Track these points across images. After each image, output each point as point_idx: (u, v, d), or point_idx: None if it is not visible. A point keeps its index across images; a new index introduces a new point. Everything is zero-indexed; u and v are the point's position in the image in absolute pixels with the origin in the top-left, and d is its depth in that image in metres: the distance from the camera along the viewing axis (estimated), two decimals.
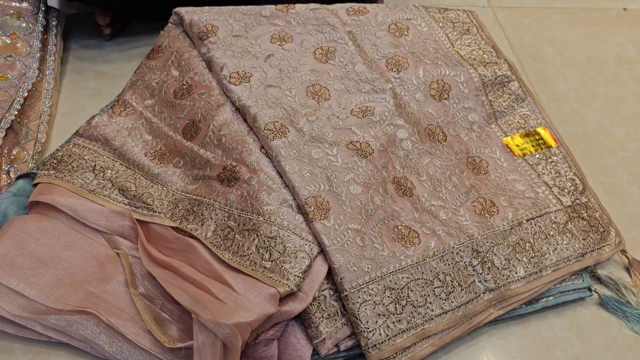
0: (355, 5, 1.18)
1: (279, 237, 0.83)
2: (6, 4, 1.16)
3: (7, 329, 0.80)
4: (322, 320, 0.80)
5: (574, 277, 0.92)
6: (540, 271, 0.88)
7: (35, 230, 0.83)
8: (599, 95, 1.26)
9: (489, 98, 1.08)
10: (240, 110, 0.99)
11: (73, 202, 0.86)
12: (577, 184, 0.99)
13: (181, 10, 1.14)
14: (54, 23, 1.20)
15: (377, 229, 0.87)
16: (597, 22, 1.44)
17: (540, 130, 1.05)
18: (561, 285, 0.91)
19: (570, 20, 1.43)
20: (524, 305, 0.89)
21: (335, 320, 0.81)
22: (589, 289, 0.92)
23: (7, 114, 0.99)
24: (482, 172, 0.99)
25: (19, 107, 1.02)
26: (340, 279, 0.81)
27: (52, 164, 0.92)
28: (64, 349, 0.81)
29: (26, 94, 1.06)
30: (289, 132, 0.94)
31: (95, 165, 0.94)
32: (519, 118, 1.07)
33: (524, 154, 1.02)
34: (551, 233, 0.92)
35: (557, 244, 0.91)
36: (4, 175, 0.95)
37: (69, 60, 1.23)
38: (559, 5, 1.47)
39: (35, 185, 0.91)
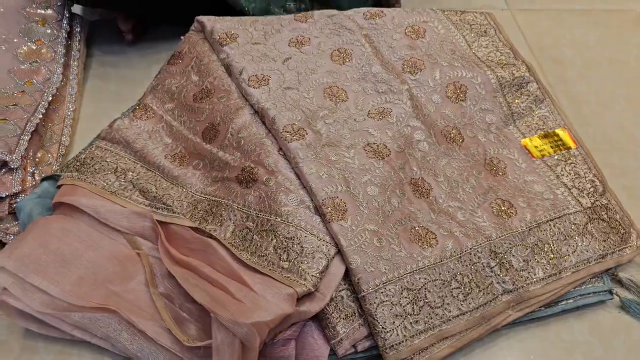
0: (373, 10, 1.19)
1: (297, 238, 0.83)
2: (32, 11, 1.19)
3: (31, 326, 0.82)
4: (339, 321, 0.80)
5: (594, 280, 0.91)
6: (560, 273, 0.87)
7: (59, 231, 0.85)
8: (620, 97, 1.24)
9: (507, 100, 1.08)
10: (259, 113, 1.00)
11: (95, 203, 0.88)
12: (597, 185, 0.98)
13: (203, 18, 1.17)
14: (77, 30, 1.23)
15: (394, 230, 0.87)
16: (617, 24, 1.42)
17: (559, 131, 1.05)
18: (581, 288, 0.90)
19: (590, 22, 1.42)
20: (543, 308, 0.88)
21: (353, 321, 0.81)
22: (610, 292, 0.91)
23: (32, 118, 1.02)
24: (500, 173, 0.99)
25: (43, 111, 1.05)
26: (358, 279, 0.81)
27: (75, 167, 0.94)
28: (86, 348, 0.83)
29: (51, 99, 1.08)
30: (307, 134, 0.95)
31: (117, 167, 0.95)
32: (538, 119, 1.07)
33: (543, 156, 1.02)
34: (571, 235, 0.91)
35: (577, 246, 0.90)
36: (29, 178, 0.98)
37: (92, 66, 1.26)
38: (579, 8, 1.46)
39: (59, 187, 0.93)
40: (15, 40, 1.15)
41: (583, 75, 1.29)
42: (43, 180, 0.96)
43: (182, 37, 1.17)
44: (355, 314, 0.81)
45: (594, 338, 0.89)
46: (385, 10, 1.19)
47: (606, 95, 1.25)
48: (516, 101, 1.08)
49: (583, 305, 0.91)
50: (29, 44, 1.16)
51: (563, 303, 0.89)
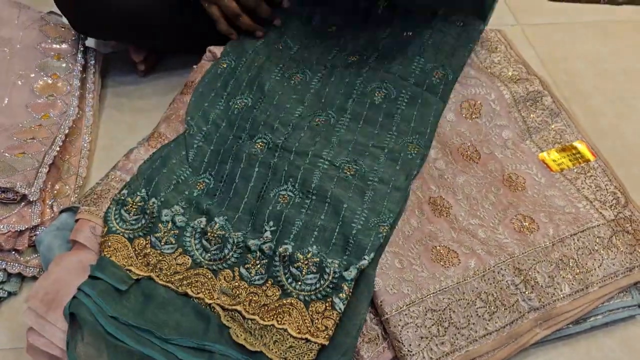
0: None
1: None
2: (47, 46, 1.21)
3: None
4: (363, 345, 0.79)
5: (622, 294, 0.88)
6: (587, 288, 0.85)
7: (77, 263, 0.85)
8: (637, 107, 1.23)
9: (522, 114, 1.07)
10: None
11: None
12: (618, 197, 0.96)
13: (215, 48, 1.18)
14: (92, 62, 1.25)
15: (415, 251, 0.86)
16: (629, 35, 1.41)
17: (577, 144, 1.03)
18: (609, 303, 0.87)
19: (601, 34, 1.41)
20: (571, 325, 0.86)
21: (377, 344, 0.79)
22: (639, 307, 0.89)
23: (49, 151, 1.03)
24: (520, 188, 0.97)
25: (60, 143, 1.06)
26: (381, 302, 0.80)
27: (92, 199, 0.94)
28: None
29: (67, 131, 1.09)
30: None
31: None
32: (554, 133, 1.05)
33: (562, 169, 1.00)
34: (595, 248, 0.89)
35: (603, 259, 0.88)
36: (47, 210, 0.98)
37: (107, 97, 1.28)
38: (589, 20, 1.45)
39: (77, 220, 0.93)
40: (32, 75, 1.17)
41: (597, 87, 1.27)
42: (61, 212, 0.96)
43: (195, 66, 1.18)
44: (378, 337, 0.80)
45: (625, 354, 0.87)
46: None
47: (622, 106, 1.23)
48: (531, 115, 1.07)
49: (612, 321, 0.88)
50: (45, 78, 1.17)
51: (591, 319, 0.87)
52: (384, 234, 0.85)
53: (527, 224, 0.91)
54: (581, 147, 1.03)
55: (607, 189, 0.97)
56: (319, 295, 0.79)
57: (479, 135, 1.04)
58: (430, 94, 1.05)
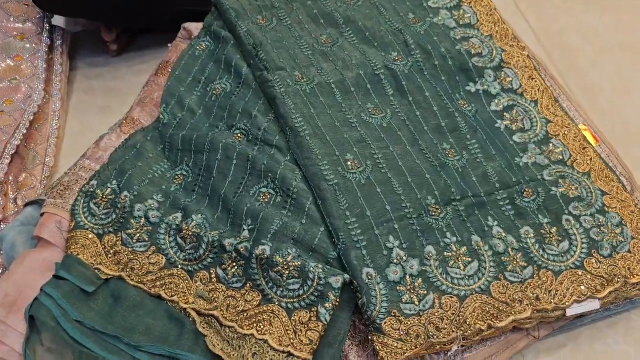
0: None
1: None
2: (10, 25, 1.13)
3: None
4: (352, 348, 0.74)
5: None
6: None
7: (41, 263, 0.79)
8: (636, 84, 1.18)
9: None
10: None
11: None
12: (624, 183, 0.90)
13: (191, 25, 1.11)
14: (59, 42, 1.17)
15: None
16: (625, 10, 1.35)
17: (581, 127, 0.97)
18: None
19: (597, 9, 1.35)
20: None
21: (366, 347, 0.75)
22: None
23: (12, 139, 0.96)
24: None
25: (24, 131, 0.99)
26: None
27: (58, 191, 0.88)
28: None
29: (32, 118, 1.02)
30: None
31: None
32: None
33: None
34: None
35: None
36: (10, 204, 0.92)
37: (77, 80, 1.20)
38: None
39: (42, 214, 0.86)
40: None
41: (595, 62, 1.22)
42: (26, 205, 0.89)
43: (169, 45, 1.11)
44: (368, 340, 0.74)
45: (630, 346, 0.83)
46: None
47: (621, 82, 1.18)
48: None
49: (615, 313, 0.84)
50: (7, 60, 1.09)
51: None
52: None
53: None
54: (586, 132, 0.97)
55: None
56: (303, 304, 0.73)
57: None
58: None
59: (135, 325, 0.73)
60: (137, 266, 0.79)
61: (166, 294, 0.76)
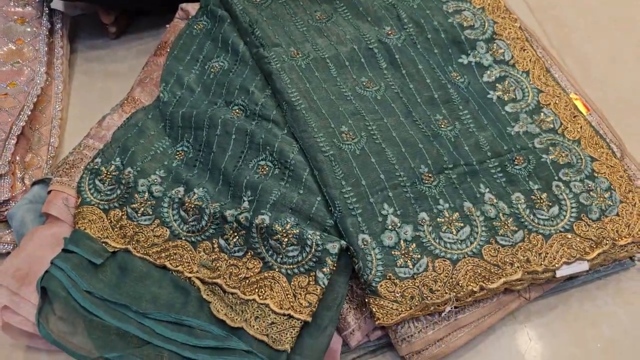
0: None
1: None
2: (10, 9, 1.14)
3: (35, 343, 0.79)
4: (350, 311, 0.77)
5: None
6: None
7: (50, 237, 0.81)
8: (630, 56, 1.19)
9: None
10: None
11: None
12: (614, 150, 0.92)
13: (188, 6, 1.12)
14: (58, 26, 1.18)
15: None
16: None
17: (572, 96, 0.99)
18: None
19: None
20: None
21: (364, 310, 0.77)
22: (631, 259, 0.87)
23: (17, 121, 0.98)
24: None
25: (29, 112, 1.01)
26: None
27: (64, 170, 0.90)
28: None
29: (35, 100, 1.04)
30: None
31: None
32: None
33: None
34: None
35: None
36: (18, 183, 0.94)
37: (77, 62, 1.22)
38: None
39: (49, 192, 0.88)
40: None
41: (588, 35, 1.23)
42: (33, 184, 0.92)
43: (167, 26, 1.13)
44: (365, 303, 0.77)
45: (619, 307, 0.86)
46: None
47: (614, 54, 1.19)
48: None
49: (604, 275, 0.87)
50: (9, 44, 1.11)
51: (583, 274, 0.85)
52: None
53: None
54: (577, 101, 0.98)
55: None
56: (302, 269, 0.76)
57: None
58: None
59: (142, 294, 0.76)
60: (143, 239, 0.82)
61: (171, 264, 0.79)
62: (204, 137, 0.90)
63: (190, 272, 0.79)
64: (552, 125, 0.92)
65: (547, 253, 0.80)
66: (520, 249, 0.80)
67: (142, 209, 0.84)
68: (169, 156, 0.91)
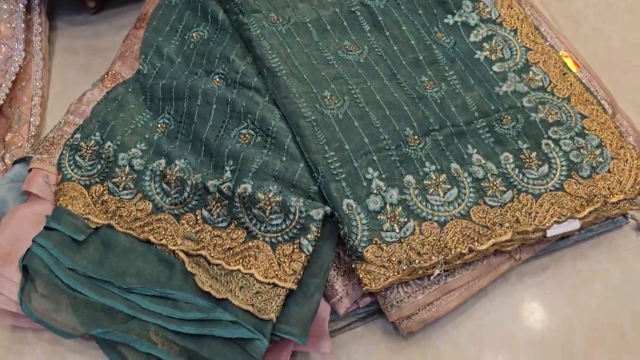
0: None
1: None
2: None
3: (20, 323, 0.78)
4: (337, 278, 0.76)
5: None
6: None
7: (32, 215, 0.80)
8: (620, 9, 1.16)
9: None
10: None
11: None
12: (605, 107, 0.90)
13: None
14: (36, 2, 1.15)
15: None
16: None
17: (562, 53, 0.96)
18: None
19: None
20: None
21: (351, 277, 0.76)
22: (624, 216, 0.85)
23: None
24: None
25: (7, 91, 0.98)
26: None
27: (44, 147, 0.89)
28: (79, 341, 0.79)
29: (14, 78, 1.01)
30: None
31: None
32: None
33: None
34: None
35: None
36: None
37: (57, 39, 1.19)
38: None
39: (30, 170, 0.87)
40: None
41: None
42: (14, 163, 0.90)
43: None
44: (353, 269, 0.76)
45: (612, 265, 0.85)
46: None
47: (605, 8, 1.16)
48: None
49: (597, 233, 0.86)
50: None
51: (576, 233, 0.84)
52: None
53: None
54: (567, 59, 0.96)
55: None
56: (286, 237, 0.74)
57: None
58: None
59: (126, 269, 0.75)
60: (125, 213, 0.80)
61: (155, 238, 0.78)
62: (185, 108, 0.88)
63: (174, 245, 0.77)
64: (541, 84, 0.90)
65: (537, 213, 0.78)
66: (510, 209, 0.78)
67: (124, 183, 0.83)
68: (150, 129, 0.89)
